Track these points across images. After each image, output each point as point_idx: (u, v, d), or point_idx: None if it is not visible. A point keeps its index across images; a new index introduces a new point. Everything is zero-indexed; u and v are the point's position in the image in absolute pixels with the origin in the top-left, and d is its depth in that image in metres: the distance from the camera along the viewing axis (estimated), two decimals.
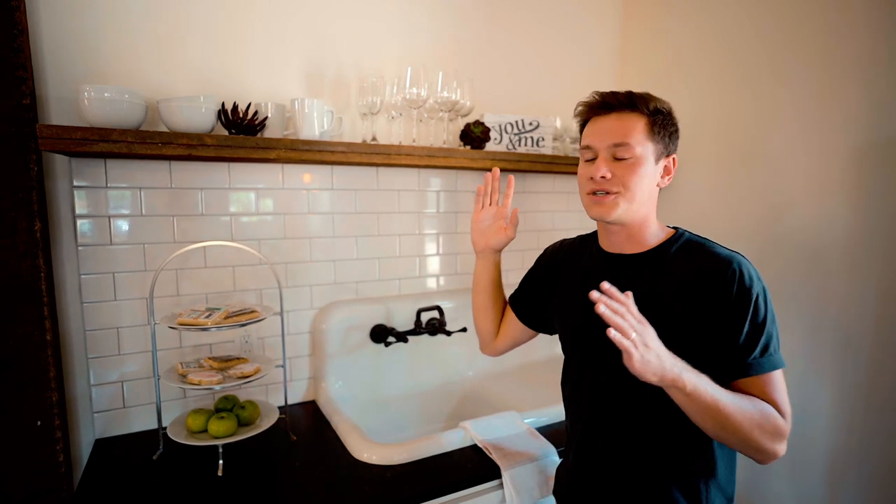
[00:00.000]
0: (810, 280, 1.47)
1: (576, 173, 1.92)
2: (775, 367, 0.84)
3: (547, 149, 1.72)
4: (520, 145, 1.69)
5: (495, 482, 1.17)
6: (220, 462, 1.14)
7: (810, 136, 1.46)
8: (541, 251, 1.20)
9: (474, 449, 1.24)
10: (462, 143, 1.63)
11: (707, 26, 1.74)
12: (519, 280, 1.21)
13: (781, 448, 0.82)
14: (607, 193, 0.89)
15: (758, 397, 0.83)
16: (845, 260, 1.39)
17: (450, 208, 1.73)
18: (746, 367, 0.83)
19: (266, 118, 1.30)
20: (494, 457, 1.18)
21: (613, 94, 0.90)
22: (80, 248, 1.25)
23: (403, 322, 1.60)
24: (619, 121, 0.89)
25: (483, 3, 1.73)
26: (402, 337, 1.54)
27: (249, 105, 1.28)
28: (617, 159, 0.88)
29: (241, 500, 1.05)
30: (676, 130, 0.92)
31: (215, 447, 1.17)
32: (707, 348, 0.84)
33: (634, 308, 0.77)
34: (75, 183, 1.24)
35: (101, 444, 1.28)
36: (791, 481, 1.54)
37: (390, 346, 1.57)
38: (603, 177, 0.88)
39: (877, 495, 1.35)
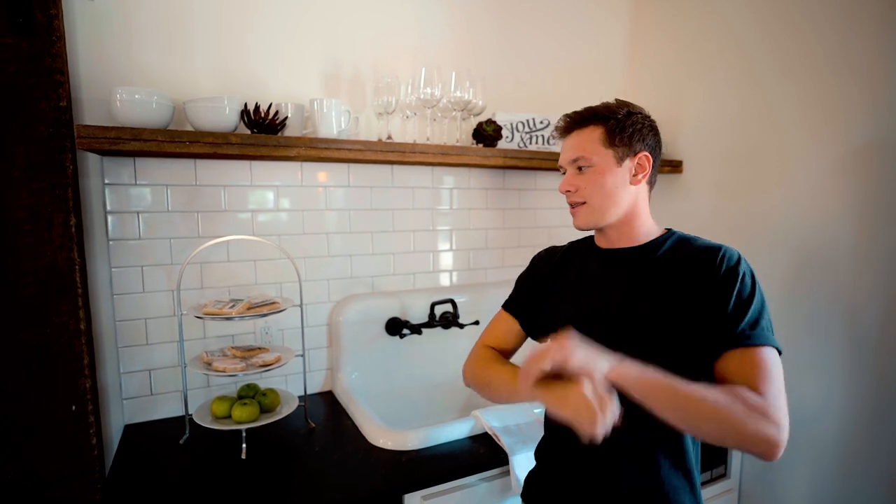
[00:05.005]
0: (819, 277, 1.49)
1: None
2: (766, 343, 0.83)
3: (557, 147, 1.75)
4: (530, 143, 1.73)
5: (505, 467, 1.21)
6: (244, 446, 1.20)
7: (818, 134, 1.48)
8: (550, 245, 1.22)
9: (486, 436, 1.28)
10: (475, 142, 1.67)
11: (716, 26, 1.76)
12: (510, 278, 1.23)
13: (776, 433, 0.76)
14: (575, 205, 0.99)
15: (742, 381, 0.80)
16: (852, 258, 1.41)
17: (462, 205, 1.78)
18: (735, 337, 0.83)
19: (286, 118, 1.35)
20: (502, 443, 1.22)
21: (571, 114, 1.00)
22: (110, 242, 1.32)
23: (418, 315, 1.65)
24: (576, 138, 0.98)
25: (494, 5, 1.77)
26: (416, 329, 1.59)
27: (270, 105, 1.33)
28: (580, 171, 0.97)
29: (265, 481, 1.11)
30: (643, 128, 0.96)
31: (238, 432, 1.23)
32: (698, 325, 0.87)
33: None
34: (106, 181, 1.30)
35: (130, 430, 1.35)
36: (803, 477, 1.56)
37: (405, 339, 1.62)
38: (568, 190, 0.98)
39: (889, 487, 1.37)
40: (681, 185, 1.89)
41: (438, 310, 1.64)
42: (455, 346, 1.73)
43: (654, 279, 0.94)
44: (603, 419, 0.72)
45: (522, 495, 1.10)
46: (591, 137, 0.96)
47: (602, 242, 1.04)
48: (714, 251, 0.91)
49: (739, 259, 0.90)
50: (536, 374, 0.77)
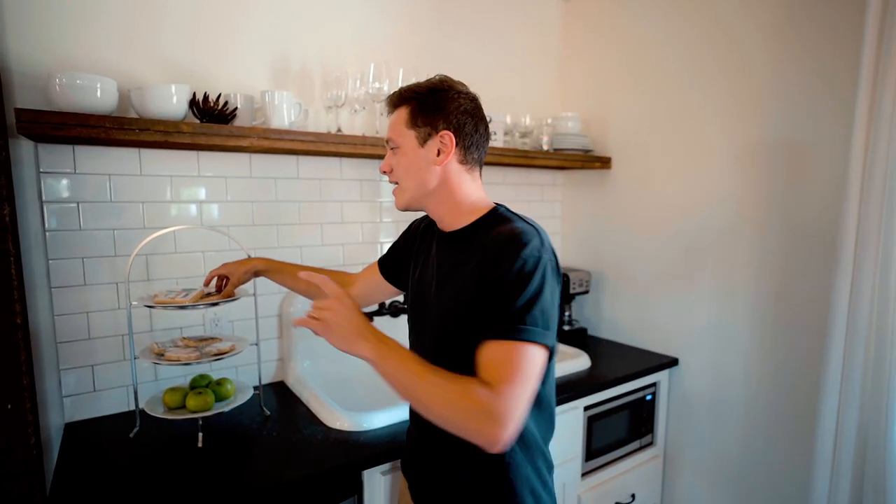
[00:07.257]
0: (728, 255, 1.69)
1: (523, 166, 2.06)
2: (523, 338, 0.79)
3: (499, 142, 1.85)
4: None
5: None
6: (200, 434, 1.20)
7: (721, 134, 1.68)
8: None
9: None
10: None
11: (638, 40, 1.93)
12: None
13: (497, 431, 0.74)
14: (395, 185, 0.99)
15: (485, 374, 0.79)
16: (749, 236, 1.62)
17: None
18: (493, 329, 0.81)
19: (236, 108, 1.36)
20: None
21: (390, 94, 0.99)
22: (47, 233, 1.27)
23: None
24: (390, 118, 0.98)
25: (436, 10, 1.84)
26: (368, 317, 1.63)
27: (220, 95, 1.33)
28: (393, 153, 0.98)
29: (225, 466, 1.12)
30: (448, 106, 0.92)
31: (192, 422, 1.22)
32: (478, 314, 0.84)
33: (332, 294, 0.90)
34: (42, 169, 1.25)
35: (72, 428, 1.30)
36: (713, 429, 1.75)
37: None
38: (384, 171, 0.99)
39: (784, 439, 1.58)
40: (610, 179, 2.06)
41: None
42: (405, 333, 1.78)
43: (457, 266, 0.92)
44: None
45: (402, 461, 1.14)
46: (399, 119, 0.95)
47: (439, 224, 1.03)
48: (506, 234, 0.86)
49: (526, 244, 0.83)
50: (302, 325, 0.89)
